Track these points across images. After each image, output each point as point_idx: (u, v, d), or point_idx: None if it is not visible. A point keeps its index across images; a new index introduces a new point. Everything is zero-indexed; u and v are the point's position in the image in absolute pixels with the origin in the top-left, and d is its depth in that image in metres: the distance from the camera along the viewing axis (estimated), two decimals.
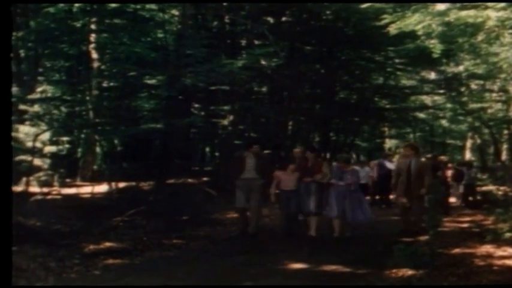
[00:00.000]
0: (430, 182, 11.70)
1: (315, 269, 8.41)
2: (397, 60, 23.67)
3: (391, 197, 16.64)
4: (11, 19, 6.42)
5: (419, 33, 20.65)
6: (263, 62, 19.23)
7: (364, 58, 23.49)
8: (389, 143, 37.55)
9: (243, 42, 20.54)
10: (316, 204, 11.40)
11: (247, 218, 11.61)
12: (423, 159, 15.46)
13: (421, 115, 32.30)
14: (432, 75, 29.82)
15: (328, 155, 23.47)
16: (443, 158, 20.03)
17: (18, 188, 14.64)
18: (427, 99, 32.92)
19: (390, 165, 17.03)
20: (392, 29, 15.06)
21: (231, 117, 19.47)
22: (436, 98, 32.33)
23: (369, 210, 11.65)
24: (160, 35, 18.21)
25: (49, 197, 14.27)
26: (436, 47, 22.13)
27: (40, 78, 18.93)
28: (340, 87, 25.40)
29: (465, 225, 13.75)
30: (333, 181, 11.42)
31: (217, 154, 19.55)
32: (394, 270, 7.95)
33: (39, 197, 13.32)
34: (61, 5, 16.56)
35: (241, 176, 11.46)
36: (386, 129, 34.62)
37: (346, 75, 24.84)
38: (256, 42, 20.04)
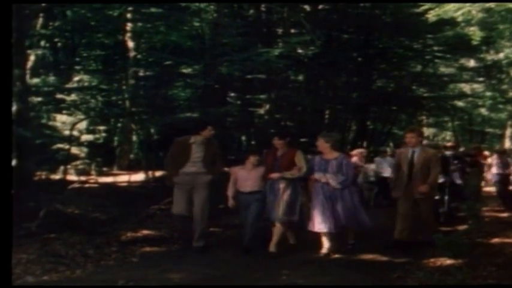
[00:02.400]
0: (436, 179, 9.30)
1: (352, 258, 8.34)
2: (435, 48, 23.35)
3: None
4: (11, 19, 6.38)
5: (459, 19, 20.44)
6: (300, 51, 19.10)
7: (402, 46, 23.17)
8: (427, 132, 37.12)
9: (280, 30, 20.39)
10: (285, 208, 8.57)
11: (190, 228, 8.83)
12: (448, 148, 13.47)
13: (460, 103, 31.82)
14: (471, 63, 29.49)
15: (364, 144, 23.29)
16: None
17: (56, 176, 14.81)
18: (466, 88, 32.56)
19: None
20: (431, 16, 14.88)
21: (268, 106, 19.36)
22: (475, 86, 32.04)
23: (367, 219, 8.62)
24: (196, 24, 18.19)
25: (86, 185, 14.39)
26: (475, 34, 21.91)
27: (77, 67, 19.07)
28: (377, 75, 25.16)
29: (504, 214, 13.55)
30: (316, 176, 8.55)
31: (253, 143, 19.45)
32: (432, 260, 7.88)
33: (76, 185, 13.43)
34: None
35: (182, 170, 8.74)
36: (424, 117, 34.25)
37: (384, 63, 24.57)
38: (293, 30, 19.91)
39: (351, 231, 8.89)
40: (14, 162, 12.05)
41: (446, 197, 11.76)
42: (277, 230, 8.59)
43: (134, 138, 22.16)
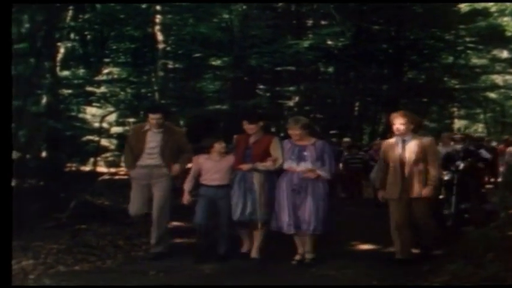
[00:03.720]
0: (438, 175, 7.36)
1: (383, 251, 8.22)
2: (467, 39, 23.22)
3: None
4: (11, 19, 6.33)
5: (492, 10, 20.21)
6: (329, 42, 18.99)
7: (433, 37, 23.01)
8: (458, 124, 36.82)
9: (309, 22, 20.33)
10: (265, 206, 7.17)
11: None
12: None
13: (492, 95, 31.58)
14: (504, 54, 29.16)
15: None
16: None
17: (86, 168, 14.88)
18: (498, 79, 32.21)
19: None
20: (464, 6, 14.69)
21: (297, 98, 19.33)
22: (508, 77, 31.65)
23: (328, 220, 7.14)
24: (225, 16, 18.16)
25: (116, 177, 14.43)
26: (509, 24, 21.62)
27: (106, 60, 19.15)
28: (408, 67, 25.02)
29: None
30: (287, 166, 7.16)
31: (282, 135, 19.42)
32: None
33: (106, 176, 13.47)
34: None
35: (138, 162, 7.57)
36: (455, 109, 33.98)
37: (415, 55, 24.47)
38: (323, 22, 19.82)
39: (311, 240, 7.21)
40: (44, 154, 12.19)
41: (453, 197, 9.54)
42: (259, 231, 7.31)
43: None
